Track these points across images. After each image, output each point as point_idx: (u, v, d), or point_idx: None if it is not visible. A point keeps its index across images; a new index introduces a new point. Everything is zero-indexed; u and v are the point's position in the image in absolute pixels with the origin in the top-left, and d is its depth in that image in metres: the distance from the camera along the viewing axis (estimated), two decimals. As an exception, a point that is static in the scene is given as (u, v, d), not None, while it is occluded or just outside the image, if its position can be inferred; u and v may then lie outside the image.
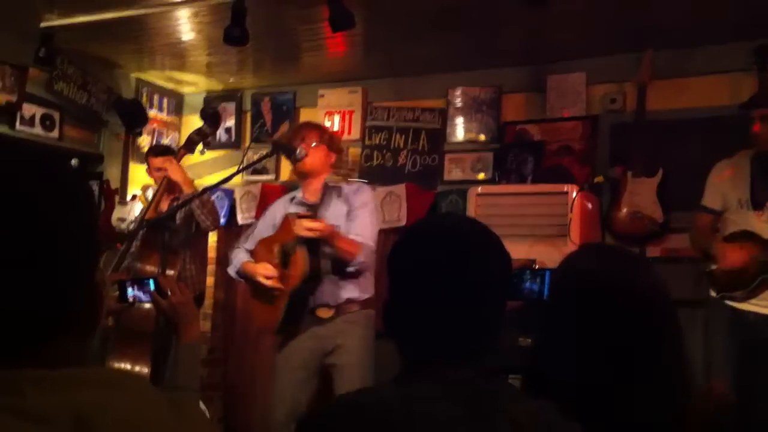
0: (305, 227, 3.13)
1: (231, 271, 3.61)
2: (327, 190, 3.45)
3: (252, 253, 3.53)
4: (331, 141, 3.50)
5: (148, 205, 4.31)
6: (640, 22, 4.07)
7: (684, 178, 4.10)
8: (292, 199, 3.56)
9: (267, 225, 3.57)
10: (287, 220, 3.32)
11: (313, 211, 3.27)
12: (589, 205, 4.13)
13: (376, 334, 3.41)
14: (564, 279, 1.53)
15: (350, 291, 3.36)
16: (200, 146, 4.54)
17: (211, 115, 4.64)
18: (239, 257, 3.56)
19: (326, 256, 3.28)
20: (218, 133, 5.60)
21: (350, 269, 3.30)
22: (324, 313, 3.35)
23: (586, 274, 1.48)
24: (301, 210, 3.38)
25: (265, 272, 3.34)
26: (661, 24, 4.05)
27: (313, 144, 3.41)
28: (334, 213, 3.37)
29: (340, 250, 3.24)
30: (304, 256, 3.20)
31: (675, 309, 1.46)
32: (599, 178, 4.07)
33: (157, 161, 4.43)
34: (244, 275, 3.50)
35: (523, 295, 1.68)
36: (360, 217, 3.34)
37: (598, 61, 4.57)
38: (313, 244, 3.21)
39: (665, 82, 4.31)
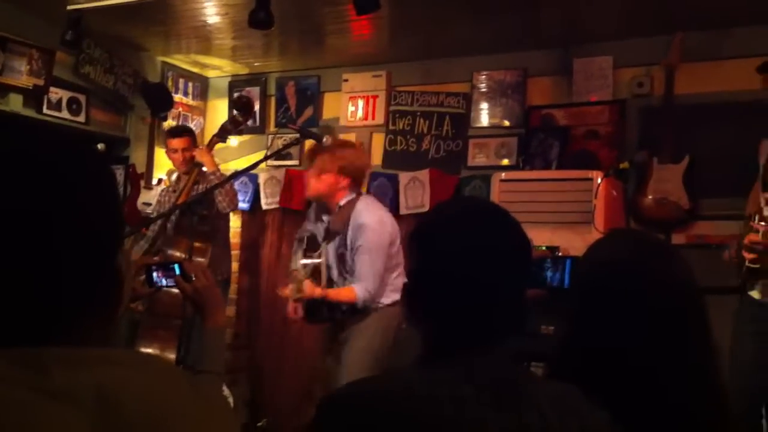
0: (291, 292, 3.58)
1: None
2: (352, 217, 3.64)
3: None
4: (342, 168, 3.59)
5: (181, 191, 4.37)
6: (668, 4, 4.00)
7: (712, 164, 4.05)
8: (321, 218, 3.76)
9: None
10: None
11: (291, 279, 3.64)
12: (614, 192, 4.08)
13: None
14: (588, 269, 1.52)
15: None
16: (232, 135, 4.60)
17: (244, 104, 4.68)
18: None
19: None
20: (244, 118, 5.62)
21: (359, 308, 3.56)
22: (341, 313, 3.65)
23: (610, 265, 1.46)
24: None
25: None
26: (691, 5, 3.98)
27: (315, 172, 3.61)
28: (334, 242, 3.66)
29: (337, 302, 3.57)
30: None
31: (704, 301, 1.44)
32: (624, 164, 4.02)
33: (174, 142, 4.49)
34: None
35: (544, 284, 1.67)
36: (359, 259, 3.52)
37: (625, 44, 4.51)
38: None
39: (694, 65, 4.24)
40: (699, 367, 1.39)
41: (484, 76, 4.95)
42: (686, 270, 1.46)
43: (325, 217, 3.71)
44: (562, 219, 3.98)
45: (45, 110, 4.77)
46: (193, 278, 2.05)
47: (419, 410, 1.15)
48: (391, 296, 3.57)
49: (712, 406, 1.39)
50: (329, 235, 3.63)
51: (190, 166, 4.43)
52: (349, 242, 3.55)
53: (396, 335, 3.58)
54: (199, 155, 4.27)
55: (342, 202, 3.60)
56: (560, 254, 3.75)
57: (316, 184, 3.62)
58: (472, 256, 1.25)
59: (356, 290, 3.50)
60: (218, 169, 4.30)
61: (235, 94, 5.64)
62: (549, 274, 1.65)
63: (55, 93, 4.82)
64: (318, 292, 3.52)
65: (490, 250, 1.26)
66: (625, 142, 4.49)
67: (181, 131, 4.67)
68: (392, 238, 3.60)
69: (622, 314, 1.39)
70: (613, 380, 1.35)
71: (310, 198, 3.78)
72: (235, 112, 4.62)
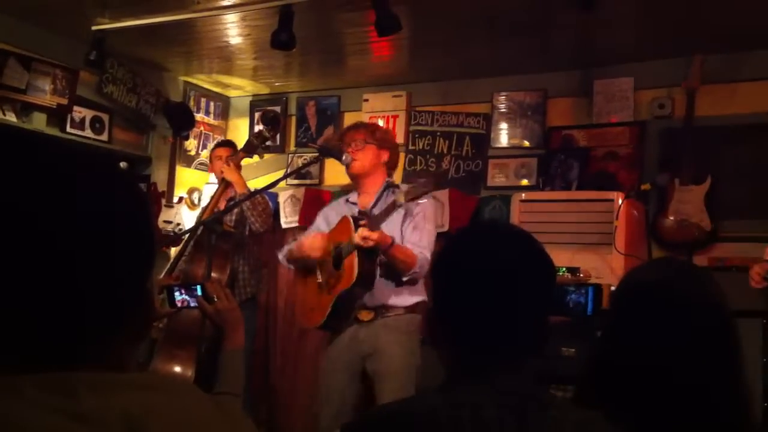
0: (361, 235, 3.09)
1: (280, 256, 3.66)
2: (385, 193, 3.44)
3: None
4: (381, 140, 3.48)
5: (206, 208, 4.39)
6: (689, 26, 3.99)
7: (733, 186, 4.03)
8: (347, 200, 3.59)
9: (321, 224, 3.60)
10: (345, 221, 3.31)
11: (373, 219, 3.18)
12: (635, 213, 4.07)
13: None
14: (627, 291, 1.52)
15: (393, 296, 3.34)
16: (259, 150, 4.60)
17: (271, 119, 4.71)
18: (288, 245, 3.61)
19: (381, 263, 3.26)
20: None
21: (404, 278, 3.29)
22: (364, 315, 3.34)
23: (648, 285, 1.47)
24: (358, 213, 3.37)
25: (312, 242, 3.38)
26: (712, 28, 3.97)
27: (359, 145, 3.43)
28: (391, 220, 3.31)
29: (397, 261, 3.23)
30: (356, 261, 3.18)
31: (736, 323, 1.46)
32: (646, 186, 4.01)
33: (219, 150, 4.60)
34: (292, 257, 3.54)
35: (567, 310, 1.66)
36: (420, 227, 3.32)
37: (646, 66, 4.51)
38: (368, 251, 3.17)
39: (715, 87, 4.23)
40: (735, 386, 1.39)
41: (504, 97, 4.96)
42: (720, 292, 1.47)
43: (352, 198, 3.56)
44: (582, 240, 3.96)
45: (68, 129, 4.82)
46: (215, 299, 2.05)
47: None
48: (415, 294, 3.37)
49: (750, 425, 1.39)
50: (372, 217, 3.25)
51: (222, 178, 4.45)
52: (402, 218, 3.33)
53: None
54: (228, 173, 4.27)
55: (382, 186, 3.45)
56: (581, 275, 3.73)
57: (362, 158, 3.43)
58: (496, 280, 1.26)
59: (417, 255, 3.24)
60: (248, 190, 4.27)
61: (262, 110, 5.70)
62: (572, 297, 1.64)
63: (79, 112, 4.87)
64: (385, 236, 3.14)
65: (513, 273, 1.27)
66: (645, 164, 4.48)
67: (227, 143, 4.93)
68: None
69: (662, 332, 1.39)
70: (651, 397, 1.34)
71: (354, 174, 3.48)
72: (262, 126, 4.65)
